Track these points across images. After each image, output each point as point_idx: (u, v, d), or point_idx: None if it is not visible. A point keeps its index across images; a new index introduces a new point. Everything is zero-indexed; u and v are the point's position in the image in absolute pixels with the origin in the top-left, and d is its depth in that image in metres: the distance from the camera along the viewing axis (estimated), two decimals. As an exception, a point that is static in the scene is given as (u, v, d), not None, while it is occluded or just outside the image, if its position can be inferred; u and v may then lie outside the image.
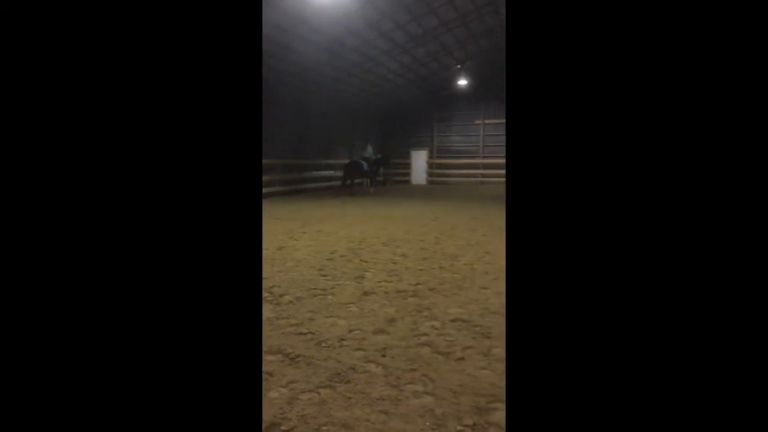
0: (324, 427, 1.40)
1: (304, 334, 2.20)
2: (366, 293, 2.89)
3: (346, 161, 13.43)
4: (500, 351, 1.97)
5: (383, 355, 1.93)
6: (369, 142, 14.15)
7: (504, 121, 18.56)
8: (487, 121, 18.73)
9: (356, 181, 12.89)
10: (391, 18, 10.84)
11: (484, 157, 18.73)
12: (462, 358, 1.90)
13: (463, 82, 16.96)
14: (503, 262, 3.88)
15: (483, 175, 18.40)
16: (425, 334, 2.18)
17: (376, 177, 13.37)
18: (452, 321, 2.38)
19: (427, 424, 1.41)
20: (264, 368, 1.79)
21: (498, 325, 2.32)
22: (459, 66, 16.44)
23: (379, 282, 3.18)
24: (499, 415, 1.45)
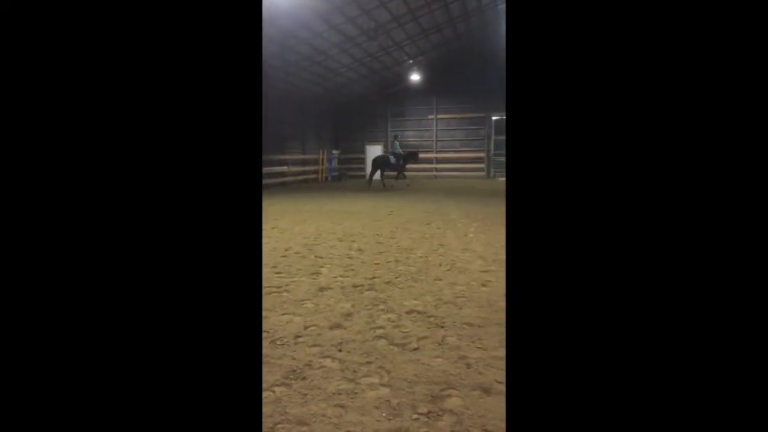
0: (279, 426, 1.38)
1: (258, 333, 2.15)
2: (322, 289, 2.88)
3: (377, 155, 14.30)
4: (453, 339, 2.03)
5: (339, 350, 1.93)
6: (397, 139, 14.64)
7: (456, 116, 18.97)
8: (439, 116, 19.04)
9: (385, 173, 13.50)
10: (341, 11, 10.74)
11: (438, 152, 19.05)
12: (417, 349, 1.94)
13: (415, 77, 17.12)
14: (456, 254, 3.98)
15: (436, 170, 18.72)
16: (381, 327, 2.20)
17: (403, 171, 13.95)
18: (408, 313, 2.41)
19: (384, 414, 1.43)
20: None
21: (451, 314, 2.38)
22: (411, 61, 16.59)
23: (335, 277, 3.17)
24: (453, 402, 1.50)
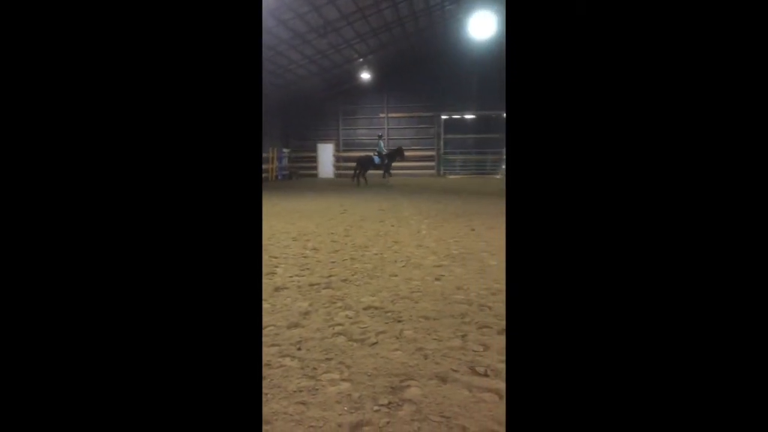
0: (240, 427, 1.37)
1: (214, 336, 2.11)
2: (278, 289, 2.85)
3: (359, 155, 15.12)
4: (410, 332, 2.09)
5: (298, 348, 1.93)
6: (380, 138, 15.15)
7: (406, 114, 19.20)
8: (390, 115, 19.20)
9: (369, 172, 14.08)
10: (290, 7, 10.57)
11: (389, 150, 19.21)
12: (376, 343, 1.98)
13: (366, 75, 17.16)
14: (410, 250, 4.06)
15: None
16: (340, 324, 2.22)
17: (389, 168, 14.42)
18: (365, 309, 2.45)
19: (345, 408, 1.45)
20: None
21: (408, 309, 2.44)
22: (361, 59, 16.60)
23: (291, 277, 3.15)
24: (413, 392, 1.55)
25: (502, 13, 14.46)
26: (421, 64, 18.22)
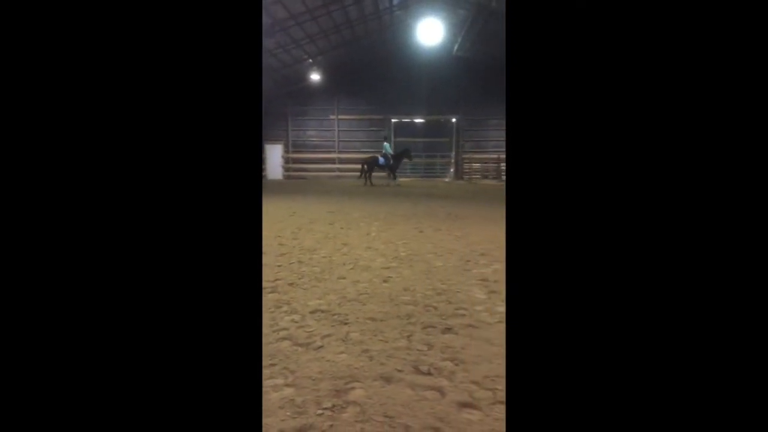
0: (177, 439, 1.31)
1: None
2: (220, 295, 2.75)
3: (366, 157, 15.27)
4: (357, 335, 2.09)
5: (241, 355, 1.88)
6: (386, 139, 15.21)
7: (357, 117, 19.22)
8: (341, 117, 19.14)
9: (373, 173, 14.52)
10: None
11: (340, 152, 19.14)
12: (321, 347, 1.96)
13: (316, 76, 17.00)
14: (359, 252, 4.07)
15: (339, 170, 18.80)
16: (285, 329, 2.18)
17: (395, 169, 14.63)
18: (312, 312, 2.43)
19: (288, 413, 1.43)
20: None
21: (355, 311, 2.44)
22: (311, 60, 16.44)
23: (235, 282, 3.05)
24: (357, 393, 1.55)
25: (448, 20, 14.86)
26: (371, 68, 18.32)
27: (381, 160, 14.24)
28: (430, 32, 15.55)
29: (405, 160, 14.69)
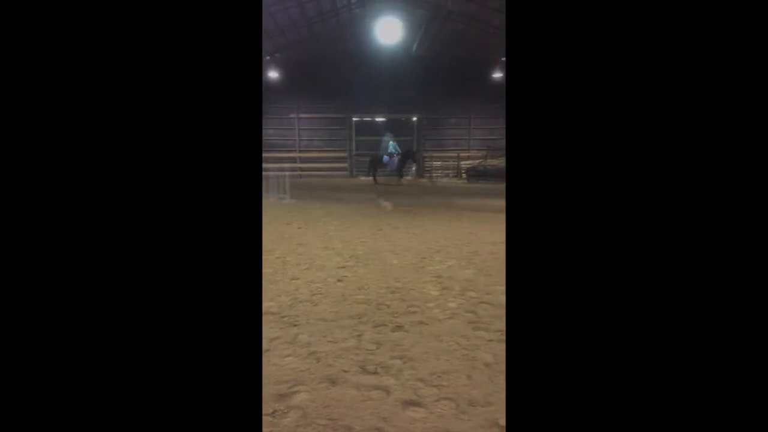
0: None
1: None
2: (165, 300, 2.63)
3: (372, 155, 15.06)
4: (305, 336, 2.05)
5: (181, 364, 1.79)
6: (391, 139, 14.35)
7: (318, 116, 19.01)
8: (302, 116, 18.88)
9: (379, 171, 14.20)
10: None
11: (300, 151, 18.89)
12: (267, 350, 1.91)
13: (274, 74, 16.68)
14: (316, 252, 4.01)
15: (301, 169, 18.54)
16: (231, 333, 2.10)
17: (401, 169, 14.39)
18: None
19: (226, 423, 1.37)
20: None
21: (306, 312, 2.39)
22: (268, 57, 16.11)
23: (182, 286, 2.93)
24: (300, 398, 1.51)
25: (407, 19, 14.95)
26: (331, 66, 18.17)
27: (385, 158, 14.01)
28: (389, 31, 15.60)
29: (410, 161, 14.58)
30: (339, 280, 3.04)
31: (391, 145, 14.58)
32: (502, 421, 1.36)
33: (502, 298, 2.56)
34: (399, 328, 2.15)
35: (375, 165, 14.17)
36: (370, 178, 14.13)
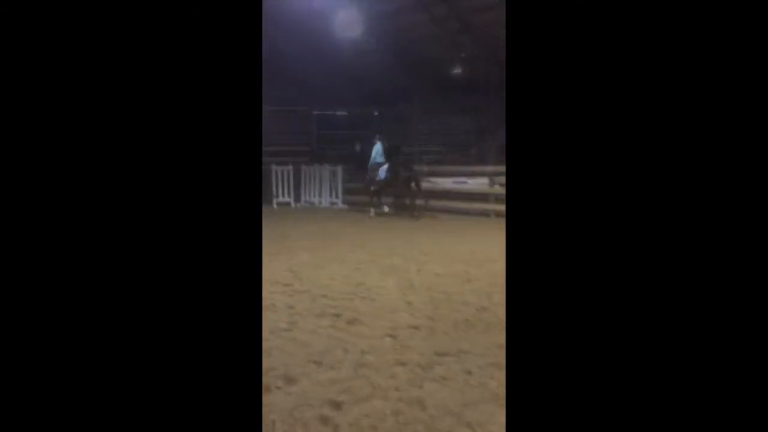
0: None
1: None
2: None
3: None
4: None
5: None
6: (378, 142, 10.32)
7: (279, 108, 18.63)
8: (265, 108, 18.45)
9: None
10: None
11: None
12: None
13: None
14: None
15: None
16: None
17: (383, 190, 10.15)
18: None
19: None
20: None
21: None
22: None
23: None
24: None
25: (366, 13, 14.88)
26: (290, 58, 17.83)
27: (382, 173, 9.94)
28: (348, 25, 15.47)
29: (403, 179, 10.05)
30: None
31: (377, 150, 10.45)
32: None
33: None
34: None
35: (375, 185, 9.98)
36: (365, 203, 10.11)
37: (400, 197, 10.07)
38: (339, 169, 11.90)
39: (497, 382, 2.02)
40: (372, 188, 10.05)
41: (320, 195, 12.05)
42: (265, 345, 2.46)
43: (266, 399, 1.90)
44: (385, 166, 9.94)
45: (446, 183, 10.92)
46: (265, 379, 2.08)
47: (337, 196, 11.58)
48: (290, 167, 12.21)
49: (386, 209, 10.03)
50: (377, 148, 10.37)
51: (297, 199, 10.93)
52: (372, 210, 10.09)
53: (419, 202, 9.74)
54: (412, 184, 9.55)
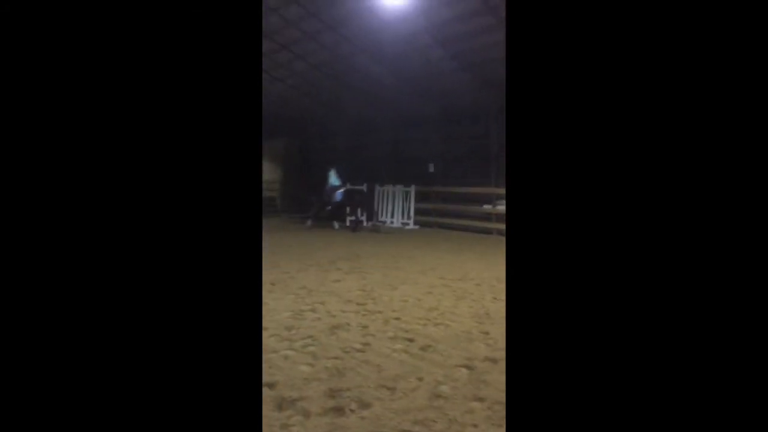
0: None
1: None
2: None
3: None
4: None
5: None
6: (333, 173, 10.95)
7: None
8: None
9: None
10: None
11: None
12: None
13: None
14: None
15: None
16: None
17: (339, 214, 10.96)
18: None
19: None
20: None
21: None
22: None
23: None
24: None
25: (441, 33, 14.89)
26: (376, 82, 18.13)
27: (338, 194, 10.40)
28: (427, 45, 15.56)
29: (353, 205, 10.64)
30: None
31: (332, 177, 10.80)
32: None
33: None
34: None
35: (330, 205, 10.39)
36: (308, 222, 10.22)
37: (347, 216, 11.04)
38: (412, 189, 11.95)
39: None
40: (327, 208, 10.63)
41: (392, 215, 12.15)
42: (338, 364, 2.46)
43: (340, 422, 1.87)
44: (341, 190, 10.58)
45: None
46: (339, 401, 2.06)
47: (408, 217, 11.63)
48: (364, 185, 12.45)
49: (336, 226, 10.60)
50: (332, 174, 10.90)
51: (369, 218, 11.06)
52: (335, 224, 10.77)
53: (364, 222, 10.79)
54: (358, 210, 10.52)
